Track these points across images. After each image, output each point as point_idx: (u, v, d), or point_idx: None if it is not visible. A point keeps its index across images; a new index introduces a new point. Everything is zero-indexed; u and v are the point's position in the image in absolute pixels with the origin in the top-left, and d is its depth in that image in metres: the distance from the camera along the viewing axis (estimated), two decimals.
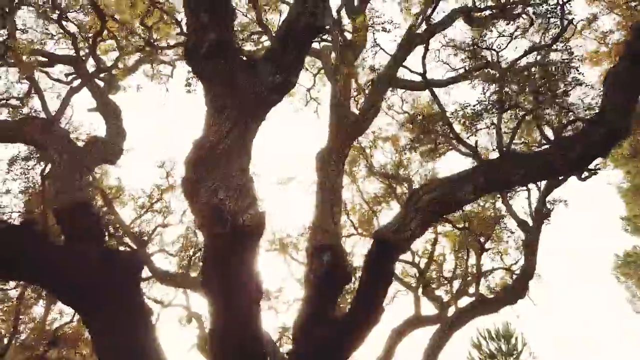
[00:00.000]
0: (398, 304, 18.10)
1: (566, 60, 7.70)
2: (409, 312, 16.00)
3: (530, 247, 13.82)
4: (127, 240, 14.05)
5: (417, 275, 15.89)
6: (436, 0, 9.19)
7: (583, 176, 15.44)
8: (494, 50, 8.24)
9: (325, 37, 11.06)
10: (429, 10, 9.38)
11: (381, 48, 9.42)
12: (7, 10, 11.34)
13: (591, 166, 15.67)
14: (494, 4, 11.12)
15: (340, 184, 9.62)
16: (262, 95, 6.23)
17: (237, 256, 5.98)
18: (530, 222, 14.26)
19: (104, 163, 9.97)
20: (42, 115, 10.24)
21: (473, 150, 7.30)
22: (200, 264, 8.08)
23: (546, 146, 7.42)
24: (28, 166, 11.48)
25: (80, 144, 10.18)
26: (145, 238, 14.26)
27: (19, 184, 11.04)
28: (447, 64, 10.85)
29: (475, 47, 8.32)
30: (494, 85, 7.22)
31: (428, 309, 16.36)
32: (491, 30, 9.97)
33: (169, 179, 15.34)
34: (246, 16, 11.25)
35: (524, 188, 15.39)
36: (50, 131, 9.00)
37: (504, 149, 7.29)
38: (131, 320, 6.39)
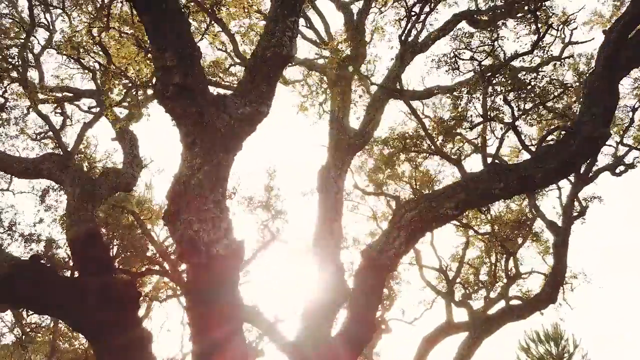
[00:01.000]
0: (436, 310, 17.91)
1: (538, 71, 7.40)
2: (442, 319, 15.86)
3: (559, 249, 13.34)
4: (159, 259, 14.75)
5: (447, 280, 15.63)
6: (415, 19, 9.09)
7: (618, 171, 14.77)
8: (475, 59, 8.05)
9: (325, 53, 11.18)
10: (414, 30, 9.36)
11: (355, 69, 9.41)
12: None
13: (628, 159, 15.03)
14: (501, 4, 10.93)
15: (341, 200, 9.72)
16: (232, 128, 6.46)
17: (216, 284, 6.23)
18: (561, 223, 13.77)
19: (119, 191, 10.53)
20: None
21: (455, 163, 7.21)
22: None
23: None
24: (60, 196, 12.33)
25: None
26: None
27: (51, 213, 11.85)
28: (457, 68, 10.70)
29: (456, 58, 8.19)
30: (463, 100, 7.07)
31: (463, 315, 16.12)
32: (490, 30, 9.79)
33: None
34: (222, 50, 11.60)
35: (554, 187, 14.91)
36: (65, 166, 9.66)
37: (489, 161, 7.17)
38: (127, 350, 6.78)
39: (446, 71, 8.17)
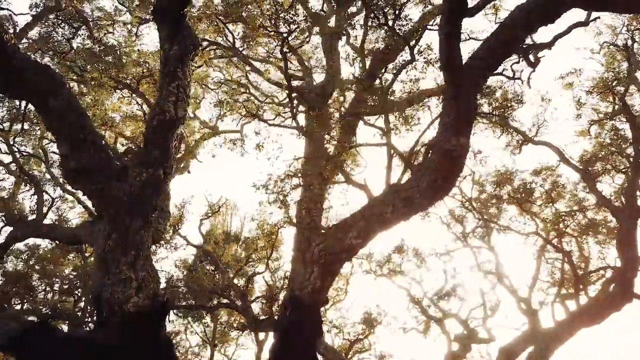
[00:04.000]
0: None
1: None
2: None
3: (624, 240, 11.39)
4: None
5: (508, 286, 14.27)
6: None
7: None
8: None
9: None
10: None
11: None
12: None
13: None
14: None
15: (315, 233, 9.74)
16: (135, 194, 7.14)
17: (135, 339, 6.90)
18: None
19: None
20: None
21: (360, 187, 6.97)
22: None
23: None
24: None
25: None
26: (243, 289, 15.90)
27: None
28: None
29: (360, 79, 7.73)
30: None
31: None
32: None
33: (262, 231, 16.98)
34: None
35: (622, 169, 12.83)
36: (93, 230, 11.26)
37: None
38: None
39: None
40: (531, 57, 11.38)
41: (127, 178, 7.19)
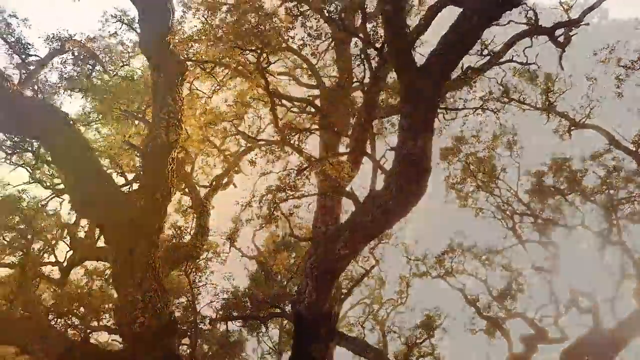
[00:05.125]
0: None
1: None
2: None
3: None
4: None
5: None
6: None
7: None
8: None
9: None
10: None
11: None
12: None
13: None
14: None
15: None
16: (134, 221, 7.47)
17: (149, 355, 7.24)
18: None
19: (189, 259, 12.40)
20: None
21: (352, 197, 6.83)
22: None
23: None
24: None
25: None
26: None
27: None
28: None
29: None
30: None
31: None
32: None
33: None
34: None
35: None
36: None
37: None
38: None
39: None
40: (561, 39, 10.59)
41: (129, 204, 7.55)
